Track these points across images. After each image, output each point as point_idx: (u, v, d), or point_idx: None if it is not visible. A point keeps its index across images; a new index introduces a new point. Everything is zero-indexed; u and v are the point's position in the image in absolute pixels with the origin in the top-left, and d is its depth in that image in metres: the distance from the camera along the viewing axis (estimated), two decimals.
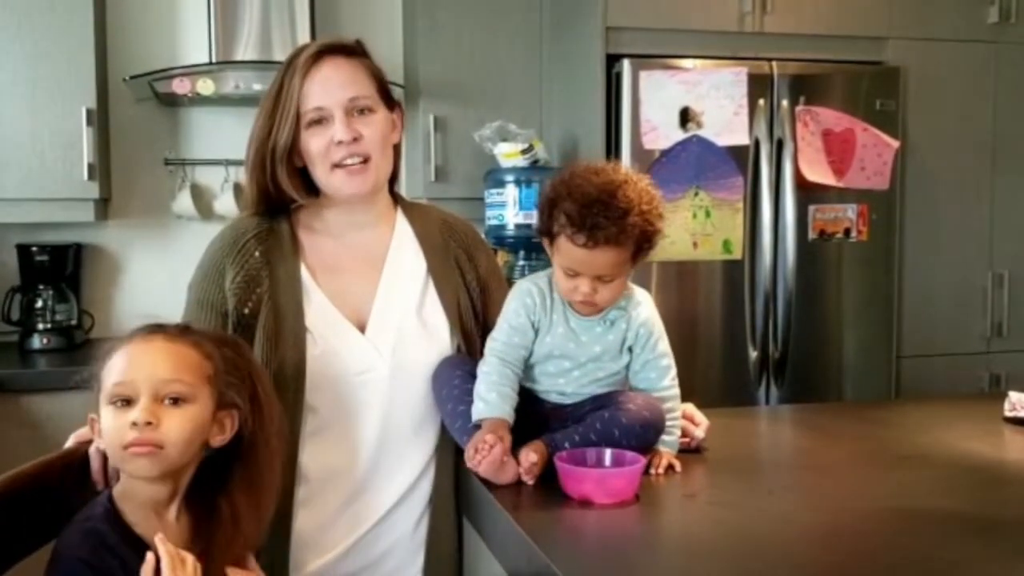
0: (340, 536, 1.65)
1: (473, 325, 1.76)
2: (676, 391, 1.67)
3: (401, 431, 1.67)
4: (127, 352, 1.29)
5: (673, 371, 1.67)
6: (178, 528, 1.29)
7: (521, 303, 1.64)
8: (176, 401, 1.26)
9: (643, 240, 1.56)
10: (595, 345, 1.63)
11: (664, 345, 1.66)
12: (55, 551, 1.24)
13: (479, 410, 1.58)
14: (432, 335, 1.71)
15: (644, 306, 1.66)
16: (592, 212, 1.51)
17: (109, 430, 1.25)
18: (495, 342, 1.65)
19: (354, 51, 1.69)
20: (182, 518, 1.30)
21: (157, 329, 1.32)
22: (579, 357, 1.62)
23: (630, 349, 1.65)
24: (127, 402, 1.25)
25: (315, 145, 1.64)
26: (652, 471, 1.58)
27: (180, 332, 1.33)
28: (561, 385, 1.65)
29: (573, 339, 1.63)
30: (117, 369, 1.27)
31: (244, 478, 1.34)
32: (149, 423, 1.23)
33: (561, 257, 1.57)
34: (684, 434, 1.70)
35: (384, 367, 1.66)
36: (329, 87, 1.63)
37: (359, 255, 1.73)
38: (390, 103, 1.72)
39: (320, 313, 1.66)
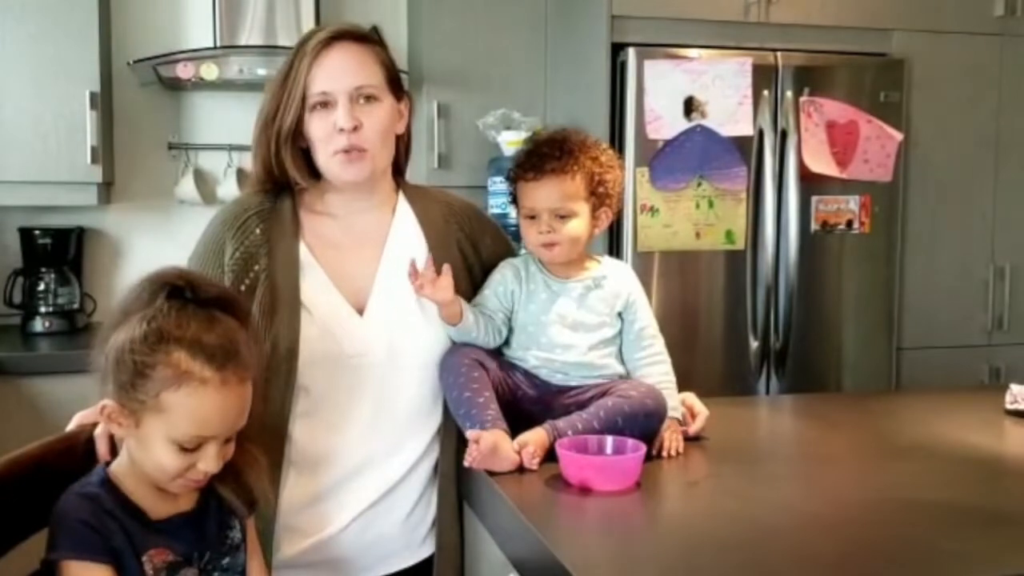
0: (328, 519, 1.64)
1: None
2: (666, 356, 1.75)
3: (395, 417, 1.67)
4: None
5: (661, 340, 1.76)
6: (181, 501, 1.30)
7: (491, 283, 1.74)
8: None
9: (595, 182, 1.69)
10: (580, 307, 1.70)
11: (650, 314, 1.76)
12: (53, 519, 1.23)
13: None
14: (431, 320, 1.70)
15: (625, 274, 1.77)
16: (539, 150, 1.70)
17: (168, 466, 1.25)
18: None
19: (367, 38, 1.68)
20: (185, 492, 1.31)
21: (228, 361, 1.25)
22: (567, 317, 1.69)
23: (620, 315, 1.72)
24: (195, 449, 1.25)
25: (318, 130, 1.64)
26: (655, 452, 1.61)
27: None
28: (561, 357, 1.67)
29: (557, 300, 1.70)
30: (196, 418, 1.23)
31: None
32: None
33: (521, 206, 1.71)
34: (682, 423, 1.71)
35: (380, 351, 1.65)
36: (336, 72, 1.63)
37: (359, 237, 1.73)
38: (398, 93, 1.71)
39: (318, 289, 1.65)
